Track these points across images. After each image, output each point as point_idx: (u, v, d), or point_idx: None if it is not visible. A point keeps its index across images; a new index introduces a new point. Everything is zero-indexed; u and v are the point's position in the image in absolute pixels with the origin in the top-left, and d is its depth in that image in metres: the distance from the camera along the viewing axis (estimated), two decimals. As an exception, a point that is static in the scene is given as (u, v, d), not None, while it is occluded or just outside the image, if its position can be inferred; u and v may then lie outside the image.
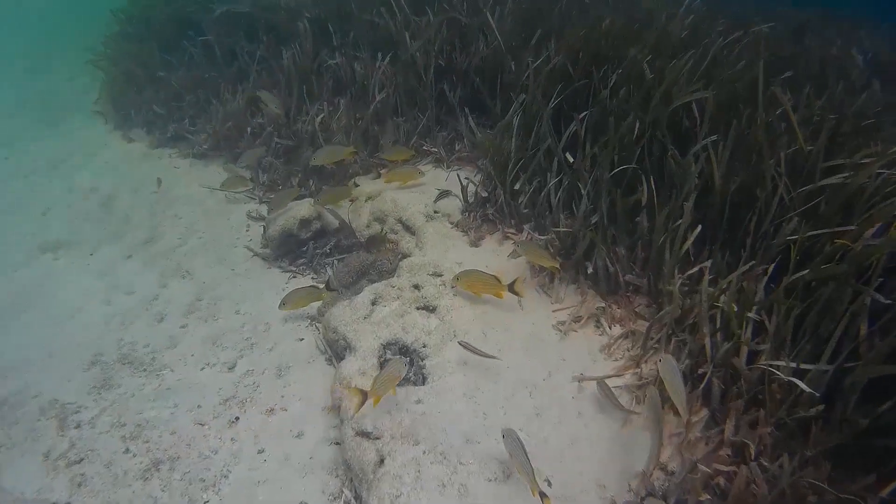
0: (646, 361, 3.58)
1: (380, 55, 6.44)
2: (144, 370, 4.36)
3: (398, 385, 3.39)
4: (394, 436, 3.24)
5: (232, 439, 3.69)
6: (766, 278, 3.42)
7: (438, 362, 3.67)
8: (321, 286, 4.51)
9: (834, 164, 3.75)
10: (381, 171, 5.84)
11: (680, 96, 4.30)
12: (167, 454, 3.63)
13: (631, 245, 4.06)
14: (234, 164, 6.88)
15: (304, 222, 5.24)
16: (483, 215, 4.81)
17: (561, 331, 3.89)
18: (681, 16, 5.81)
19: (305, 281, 5.10)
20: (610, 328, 3.88)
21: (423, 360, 3.73)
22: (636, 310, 3.92)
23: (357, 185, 5.38)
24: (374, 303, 4.18)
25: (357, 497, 3.18)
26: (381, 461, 3.15)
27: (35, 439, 3.84)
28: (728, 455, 2.98)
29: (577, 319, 3.93)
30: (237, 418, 3.83)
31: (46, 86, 12.35)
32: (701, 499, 2.84)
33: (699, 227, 3.75)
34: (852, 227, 3.26)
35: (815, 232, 3.38)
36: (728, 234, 3.91)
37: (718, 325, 3.34)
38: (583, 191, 4.28)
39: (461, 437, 3.22)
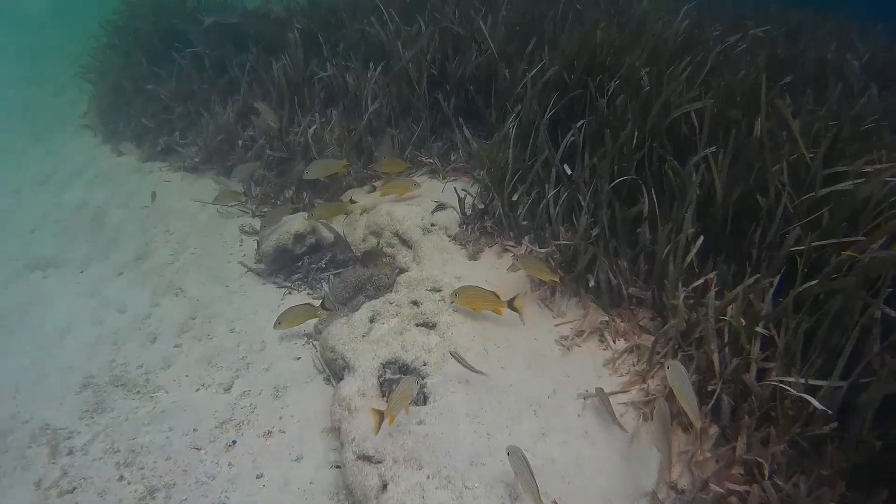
0: (652, 377, 3.51)
1: (371, 65, 6.37)
2: (138, 392, 4.26)
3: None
4: (396, 459, 3.16)
5: (229, 464, 3.59)
6: (772, 290, 3.36)
7: (440, 381, 3.59)
8: (317, 303, 4.42)
9: (837, 170, 3.69)
10: (374, 185, 5.76)
11: (678, 105, 4.24)
12: (163, 481, 3.53)
13: (633, 257, 4.00)
14: (226, 178, 6.80)
15: (299, 237, 5.14)
16: (481, 227, 4.73)
17: (564, 346, 3.82)
18: (675, 21, 5.75)
19: (301, 297, 5.01)
20: (614, 342, 3.81)
21: (423, 378, 3.65)
22: (640, 323, 3.85)
23: (354, 202, 5.27)
24: (372, 320, 4.10)
25: (360, 524, 3.10)
26: (384, 486, 3.07)
27: (26, 467, 3.74)
28: (740, 474, 2.91)
29: (579, 334, 3.86)
30: (234, 442, 3.73)
31: (34, 99, 12.23)
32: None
33: (701, 238, 3.69)
34: (861, 238, 3.20)
35: (821, 242, 3.33)
36: (732, 244, 3.85)
37: (726, 340, 3.27)
38: (583, 202, 4.22)
39: (465, 460, 3.14)
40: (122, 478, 3.58)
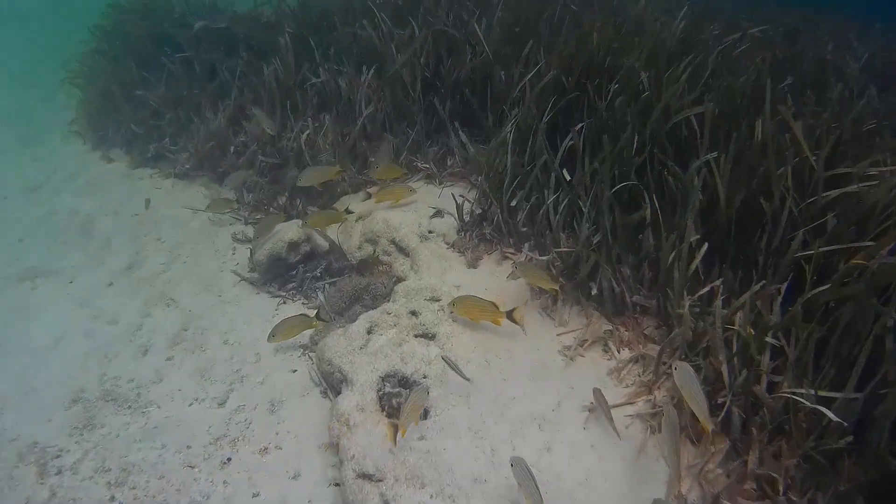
0: (658, 388, 3.42)
1: (364, 68, 6.27)
2: (129, 407, 4.14)
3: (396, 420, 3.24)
4: (398, 478, 3.05)
5: (224, 482, 3.48)
6: (780, 298, 3.28)
7: (441, 394, 3.49)
8: (312, 313, 4.31)
9: (841, 172, 3.63)
10: (368, 191, 5.65)
11: (679, 108, 4.16)
12: (156, 501, 3.41)
13: (636, 264, 3.91)
14: (218, 184, 6.70)
15: (293, 245, 5.04)
16: (480, 234, 4.63)
17: (567, 356, 3.72)
18: (674, 22, 5.68)
19: (296, 306, 4.91)
20: (618, 352, 3.71)
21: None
22: (645, 332, 3.76)
23: (350, 212, 5.15)
24: (369, 331, 3.99)
25: (361, 545, 3.00)
26: (386, 507, 2.97)
27: (13, 488, 3.61)
28: (753, 489, 2.83)
29: (582, 343, 3.76)
30: (229, 459, 3.62)
31: (22, 105, 12.05)
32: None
33: (706, 245, 3.60)
34: (871, 243, 3.12)
35: (829, 248, 3.25)
36: (737, 250, 3.77)
37: (735, 350, 3.19)
38: (583, 208, 4.13)
39: (469, 477, 3.04)
40: (112, 498, 3.46)
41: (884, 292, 2.99)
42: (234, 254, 5.71)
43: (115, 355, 4.63)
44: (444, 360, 3.55)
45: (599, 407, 3.21)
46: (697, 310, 3.52)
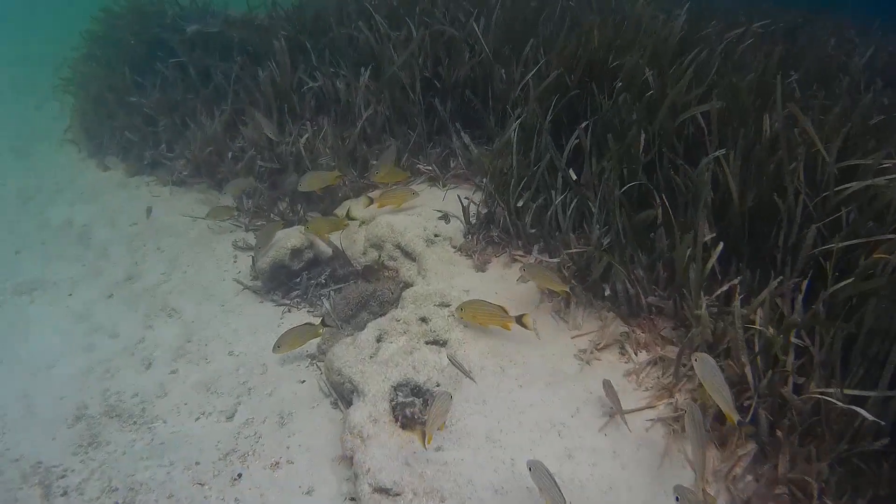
0: (679, 390, 3.34)
1: (362, 70, 6.18)
2: (134, 423, 4.04)
3: (413, 432, 3.18)
4: (416, 492, 2.97)
5: (236, 500, 3.38)
6: (801, 295, 3.20)
7: (456, 402, 3.40)
8: (317, 321, 4.21)
9: (854, 163, 3.56)
10: (370, 196, 5.54)
11: (686, 105, 4.09)
12: (165, 521, 3.32)
13: (650, 264, 3.83)
14: (217, 191, 6.60)
15: (296, 252, 4.94)
16: (487, 237, 4.55)
17: (583, 360, 3.64)
18: (675, 18, 5.61)
19: (301, 314, 4.81)
20: (636, 354, 3.63)
21: (438, 400, 3.47)
22: (662, 333, 3.68)
23: (353, 218, 5.06)
24: (379, 339, 3.91)
25: (380, 562, 2.91)
26: (405, 522, 2.88)
27: (17, 511, 3.52)
28: (785, 494, 2.75)
29: (598, 346, 3.68)
30: (240, 475, 3.52)
31: (14, 113, 11.89)
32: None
33: (721, 245, 3.52)
34: (892, 237, 3.06)
35: (849, 242, 3.18)
36: (752, 248, 3.70)
37: (757, 350, 3.11)
38: (593, 208, 4.05)
39: (490, 489, 2.96)
40: (121, 519, 3.37)
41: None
42: (235, 262, 5.61)
43: (118, 369, 4.53)
44: (450, 360, 3.50)
45: (609, 399, 3.14)
46: (715, 310, 3.45)
